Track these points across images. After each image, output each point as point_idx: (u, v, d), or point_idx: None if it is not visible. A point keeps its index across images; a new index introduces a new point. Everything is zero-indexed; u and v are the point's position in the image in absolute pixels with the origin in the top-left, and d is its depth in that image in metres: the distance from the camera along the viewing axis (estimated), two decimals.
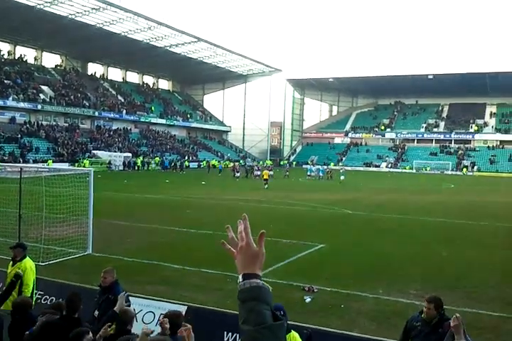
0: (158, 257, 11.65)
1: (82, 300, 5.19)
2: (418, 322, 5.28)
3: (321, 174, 51.98)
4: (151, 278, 9.97)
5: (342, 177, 44.50)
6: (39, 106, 55.53)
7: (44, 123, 56.66)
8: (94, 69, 75.21)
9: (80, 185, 12.76)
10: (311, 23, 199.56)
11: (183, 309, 6.92)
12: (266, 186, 35.40)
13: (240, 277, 1.72)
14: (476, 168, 74.25)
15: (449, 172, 72.13)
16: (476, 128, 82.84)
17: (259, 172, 45.83)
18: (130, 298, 6.24)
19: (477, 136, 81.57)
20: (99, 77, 74.22)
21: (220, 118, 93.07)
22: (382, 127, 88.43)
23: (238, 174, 46.81)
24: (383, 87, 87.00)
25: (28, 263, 6.97)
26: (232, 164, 63.41)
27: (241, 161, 73.35)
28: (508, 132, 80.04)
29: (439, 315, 5.11)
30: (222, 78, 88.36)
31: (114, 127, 65.93)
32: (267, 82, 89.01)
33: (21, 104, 53.72)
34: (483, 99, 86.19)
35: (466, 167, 74.47)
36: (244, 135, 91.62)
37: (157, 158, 61.81)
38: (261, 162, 76.80)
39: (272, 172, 48.57)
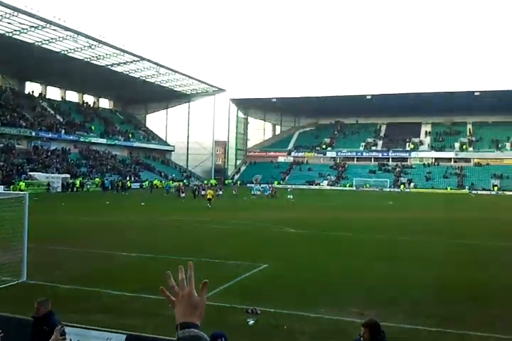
0: (96, 283, 11.29)
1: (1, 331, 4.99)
2: None
3: (266, 193, 52.49)
4: (89, 305, 9.64)
5: (290, 197, 45.22)
6: None
7: None
8: (32, 88, 73.08)
9: (15, 209, 12.25)
10: (256, 44, 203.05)
11: (121, 338, 6.73)
12: (209, 205, 35.50)
13: (179, 325, 1.71)
14: (412, 184, 77.04)
15: (388, 189, 74.45)
16: (412, 146, 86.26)
17: (203, 192, 45.07)
18: (66, 327, 6.02)
19: (413, 154, 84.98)
20: (37, 96, 72.12)
21: (163, 138, 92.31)
22: (324, 146, 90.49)
23: (183, 194, 46.25)
24: (324, 107, 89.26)
25: None
26: (175, 184, 62.88)
27: (185, 181, 72.78)
28: (443, 150, 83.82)
29: (374, 340, 5.03)
30: (165, 97, 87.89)
31: (52, 147, 63.92)
32: (211, 101, 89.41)
33: None
34: (419, 119, 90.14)
35: (404, 184, 77.15)
36: (188, 154, 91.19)
37: (97, 179, 60.32)
38: (205, 181, 76.54)
39: (221, 192, 48.71)
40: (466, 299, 10.71)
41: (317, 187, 78.01)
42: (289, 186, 66.12)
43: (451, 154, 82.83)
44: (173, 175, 78.19)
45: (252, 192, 52.88)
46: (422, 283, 12.18)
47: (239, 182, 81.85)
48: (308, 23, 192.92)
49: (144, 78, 76.47)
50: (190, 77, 77.74)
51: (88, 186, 57.18)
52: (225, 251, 16.05)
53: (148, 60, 68.07)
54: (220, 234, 20.88)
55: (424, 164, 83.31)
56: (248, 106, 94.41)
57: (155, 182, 65.47)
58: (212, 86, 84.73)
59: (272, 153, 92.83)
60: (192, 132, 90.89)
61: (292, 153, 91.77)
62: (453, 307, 10.03)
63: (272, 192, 51.70)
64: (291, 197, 45.50)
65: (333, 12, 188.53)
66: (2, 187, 44.39)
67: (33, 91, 72.37)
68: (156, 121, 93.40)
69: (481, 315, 9.58)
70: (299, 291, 11.16)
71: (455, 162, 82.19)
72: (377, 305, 10.07)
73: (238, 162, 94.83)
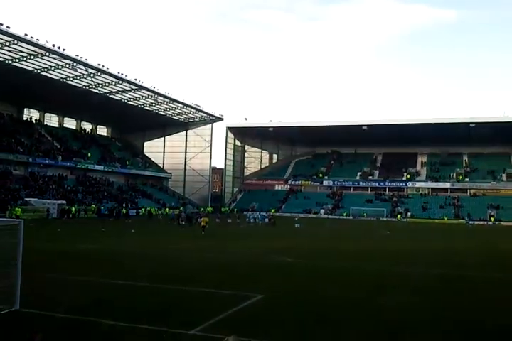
0: (91, 313, 11.10)
1: None
2: None
3: (260, 221, 52.44)
4: (83, 336, 9.46)
5: (297, 225, 45.84)
6: None
7: None
8: (30, 114, 73.59)
9: (10, 237, 12.11)
10: (253, 74, 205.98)
11: None
12: (203, 232, 35.88)
13: None
14: (409, 214, 76.89)
15: (385, 219, 74.26)
16: (408, 176, 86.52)
17: (199, 220, 44.63)
18: None
19: (410, 184, 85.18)
20: (34, 122, 72.49)
21: (161, 165, 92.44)
22: (320, 175, 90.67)
23: (183, 222, 46.25)
24: (320, 136, 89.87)
25: None
26: (172, 211, 62.73)
27: (181, 208, 72.53)
28: (439, 180, 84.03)
29: None
30: (163, 125, 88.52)
31: (49, 174, 63.92)
32: (208, 129, 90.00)
33: None
34: (415, 149, 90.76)
35: (401, 213, 77.03)
36: (185, 181, 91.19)
37: (93, 206, 60.06)
38: (202, 208, 76.35)
39: (230, 220, 48.87)
40: (464, 333, 10.55)
41: (314, 215, 77.79)
42: (296, 215, 66.69)
43: (447, 184, 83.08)
44: (173, 204, 77.85)
45: (248, 220, 53.00)
46: (419, 315, 12.01)
47: (235, 209, 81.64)
48: (308, 53, 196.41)
49: (141, 106, 77.12)
50: (187, 105, 78.47)
51: (83, 213, 56.81)
52: (219, 281, 15.85)
53: (147, 89, 68.81)
54: (215, 263, 20.65)
55: (421, 194, 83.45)
56: (245, 134, 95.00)
57: (150, 209, 65.31)
58: (209, 114, 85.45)
59: (268, 181, 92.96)
60: (189, 159, 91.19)
61: (289, 182, 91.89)
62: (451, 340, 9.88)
63: (271, 221, 51.65)
64: (299, 225, 46.02)
65: (330, 42, 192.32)
66: None
67: (31, 118, 72.81)
68: (153, 148, 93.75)
69: None
70: (296, 323, 10.98)
71: (451, 192, 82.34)
72: (376, 337, 9.92)
73: (235, 190, 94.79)
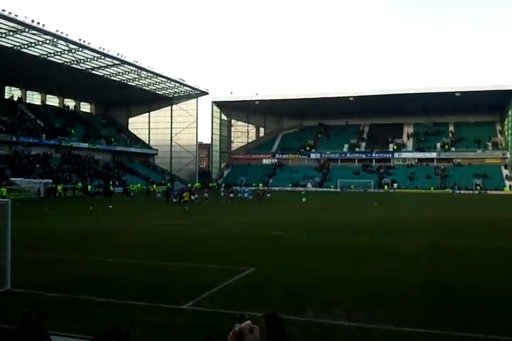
0: (82, 290, 11.10)
1: None
2: None
3: (246, 195, 52.80)
4: (74, 313, 9.47)
5: (304, 199, 46.26)
6: None
7: None
8: (12, 92, 72.23)
9: None
10: (239, 46, 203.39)
11: None
12: (187, 207, 36.49)
13: None
14: (396, 185, 77.55)
15: (372, 190, 74.87)
16: (395, 147, 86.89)
17: (193, 197, 44.25)
18: (52, 336, 5.91)
19: (396, 155, 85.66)
20: (16, 100, 71.21)
21: (147, 141, 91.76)
22: (308, 148, 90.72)
23: (176, 199, 46.23)
24: (307, 108, 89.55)
25: None
26: (158, 188, 62.59)
27: (169, 185, 72.41)
28: (425, 150, 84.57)
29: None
30: (147, 100, 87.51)
31: (34, 152, 63.18)
32: (194, 104, 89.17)
33: None
34: (401, 119, 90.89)
35: (388, 184, 77.67)
36: (171, 158, 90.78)
37: (79, 184, 59.70)
38: (189, 185, 76.34)
39: (232, 195, 49.17)
40: (453, 300, 10.73)
41: (302, 189, 78.19)
42: (303, 189, 69.96)
43: (433, 154, 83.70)
44: (163, 181, 77.46)
45: (239, 195, 53.27)
46: (409, 284, 12.19)
47: (223, 184, 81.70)
48: (293, 25, 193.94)
49: (125, 81, 76.00)
50: (171, 79, 77.48)
51: (71, 191, 56.50)
52: (211, 255, 15.94)
53: (129, 64, 67.72)
54: (206, 238, 20.73)
55: (407, 165, 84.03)
56: (231, 108, 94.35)
57: (133, 186, 65.27)
58: (194, 88, 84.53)
59: (256, 156, 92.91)
60: (175, 135, 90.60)
61: (276, 155, 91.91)
62: (440, 309, 10.04)
63: (259, 195, 51.88)
64: (305, 199, 46.35)
65: (315, 12, 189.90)
66: None
67: (12, 96, 71.49)
68: (138, 124, 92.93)
69: (468, 315, 9.58)
70: (287, 295, 11.10)
71: (438, 162, 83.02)
72: (365, 307, 10.05)
73: (222, 165, 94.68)
